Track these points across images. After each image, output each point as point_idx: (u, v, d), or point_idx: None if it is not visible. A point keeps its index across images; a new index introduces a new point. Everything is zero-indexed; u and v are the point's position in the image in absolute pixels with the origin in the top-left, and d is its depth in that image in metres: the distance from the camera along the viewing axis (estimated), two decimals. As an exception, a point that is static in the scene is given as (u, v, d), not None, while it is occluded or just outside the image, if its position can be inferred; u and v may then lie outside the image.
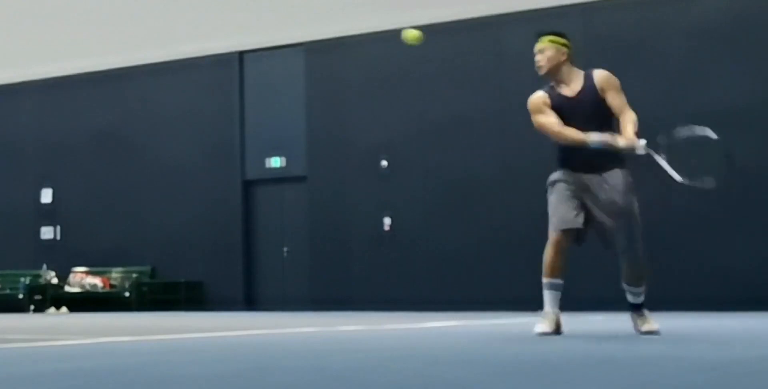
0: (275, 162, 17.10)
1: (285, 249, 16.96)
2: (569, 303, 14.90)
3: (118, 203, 18.34)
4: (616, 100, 6.74)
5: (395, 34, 16.13)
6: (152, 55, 18.13)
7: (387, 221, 15.87)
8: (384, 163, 15.99)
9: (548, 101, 6.79)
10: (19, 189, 19.37)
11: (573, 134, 6.65)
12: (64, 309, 17.39)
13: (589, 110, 6.71)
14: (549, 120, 6.74)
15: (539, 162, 14.77)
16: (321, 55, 16.81)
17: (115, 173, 18.44)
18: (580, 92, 6.77)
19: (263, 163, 17.19)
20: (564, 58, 6.82)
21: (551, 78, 6.83)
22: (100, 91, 18.78)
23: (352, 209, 16.22)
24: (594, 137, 6.58)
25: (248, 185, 17.42)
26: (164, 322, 11.47)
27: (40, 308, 17.54)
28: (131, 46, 18.13)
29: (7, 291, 18.03)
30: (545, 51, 6.84)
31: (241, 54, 17.51)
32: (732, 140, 13.91)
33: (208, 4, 17.43)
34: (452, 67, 15.62)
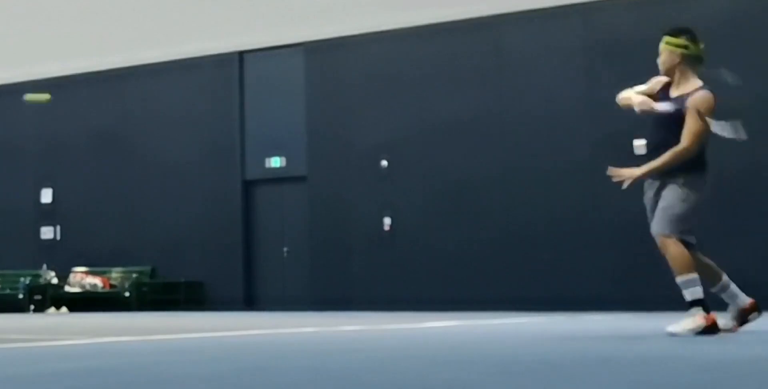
0: (275, 162, 17.09)
1: (285, 249, 16.95)
2: (570, 303, 14.92)
3: (118, 203, 18.34)
4: (684, 125, 6.70)
5: (395, 34, 16.23)
6: (152, 55, 18.12)
7: (387, 221, 15.86)
8: (384, 163, 15.99)
9: (657, 94, 6.89)
10: (19, 189, 19.37)
11: None
12: (64, 309, 17.38)
13: (666, 118, 6.72)
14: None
15: (539, 162, 14.81)
16: (321, 55, 16.81)
17: (115, 173, 18.44)
18: (675, 99, 6.76)
19: (263, 163, 17.19)
20: (678, 60, 6.86)
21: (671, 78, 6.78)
22: (100, 91, 18.77)
23: (352, 209, 16.22)
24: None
25: (248, 185, 17.42)
26: (164, 322, 11.47)
27: (40, 308, 17.54)
28: (131, 46, 18.13)
29: (7, 291, 18.02)
30: (661, 54, 6.94)
31: (241, 54, 17.51)
32: (732, 139, 13.94)
33: (208, 4, 17.43)
34: (452, 68, 15.61)
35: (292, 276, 16.80)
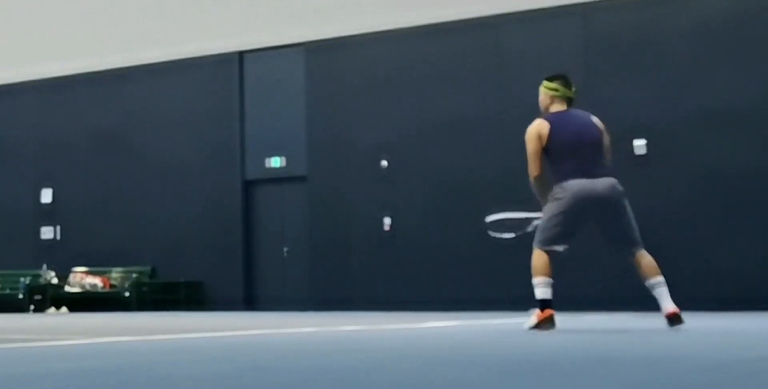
0: (275, 162, 17.10)
1: (285, 249, 16.96)
2: (570, 303, 14.90)
3: (118, 203, 18.34)
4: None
5: (395, 34, 16.22)
6: (152, 55, 18.12)
7: (387, 221, 15.87)
8: (384, 163, 15.99)
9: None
10: (19, 189, 19.37)
11: None
12: (64, 309, 17.38)
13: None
14: None
15: (539, 162, 14.81)
16: (321, 55, 16.81)
17: (115, 173, 18.44)
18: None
19: (263, 163, 17.19)
20: (549, 100, 7.82)
21: None
22: (100, 91, 18.77)
23: (352, 209, 16.22)
24: None
25: (248, 185, 17.42)
26: (164, 322, 11.47)
27: (40, 308, 17.54)
28: (131, 46, 18.13)
29: (7, 291, 18.02)
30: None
31: (241, 54, 17.51)
32: (732, 140, 13.96)
33: (208, 4, 17.44)
34: (452, 67, 15.62)
35: (292, 276, 16.81)
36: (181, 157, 17.81)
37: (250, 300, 17.14)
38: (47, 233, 19.06)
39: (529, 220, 8.11)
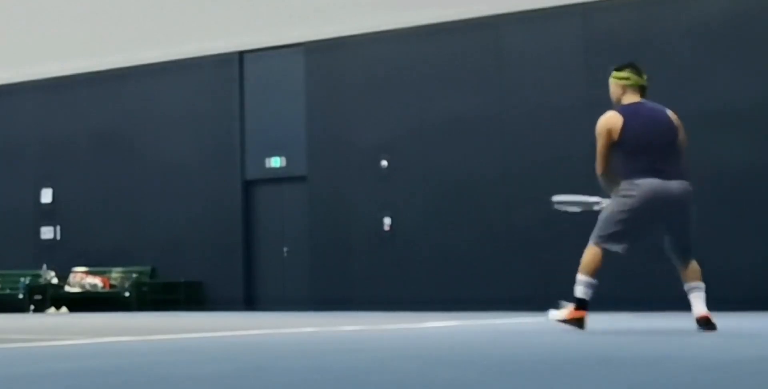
0: (275, 162, 17.10)
1: (285, 249, 16.96)
2: (569, 303, 14.87)
3: (118, 203, 18.34)
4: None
5: (395, 34, 16.22)
6: (152, 55, 18.12)
7: (387, 221, 15.86)
8: (384, 163, 15.99)
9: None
10: (19, 189, 19.37)
11: None
12: (64, 309, 17.38)
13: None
14: None
15: (539, 162, 14.81)
16: (321, 55, 16.81)
17: (115, 173, 18.44)
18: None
19: (263, 163, 17.19)
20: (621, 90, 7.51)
21: None
22: (100, 91, 18.77)
23: (352, 209, 16.22)
24: None
25: (248, 185, 17.41)
26: (164, 322, 11.47)
27: (40, 308, 17.54)
28: (131, 46, 18.13)
29: (7, 291, 18.02)
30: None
31: (241, 54, 17.51)
32: (732, 139, 13.95)
33: (208, 4, 17.43)
34: (452, 67, 15.62)
35: (292, 276, 16.81)
36: (181, 157, 17.81)
37: (250, 300, 17.14)
38: (47, 233, 19.06)
39: (597, 203, 7.77)
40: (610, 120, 7.32)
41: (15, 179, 19.47)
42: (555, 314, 7.32)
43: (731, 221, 13.48)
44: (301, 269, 16.65)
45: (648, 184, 6.97)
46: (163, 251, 17.77)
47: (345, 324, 9.56)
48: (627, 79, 7.34)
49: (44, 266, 18.33)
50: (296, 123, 16.87)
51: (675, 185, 6.97)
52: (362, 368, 4.25)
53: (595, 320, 10.40)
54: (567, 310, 7.23)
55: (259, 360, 4.89)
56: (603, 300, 13.79)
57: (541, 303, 14.79)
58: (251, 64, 17.48)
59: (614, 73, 7.44)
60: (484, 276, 14.94)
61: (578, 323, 7.15)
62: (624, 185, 7.08)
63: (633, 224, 7.04)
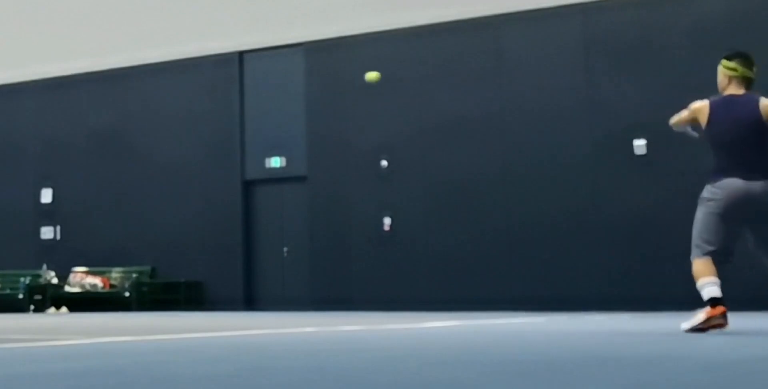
0: (275, 162, 17.10)
1: (285, 249, 16.96)
2: (570, 303, 14.89)
3: (118, 203, 18.34)
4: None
5: (395, 34, 16.22)
6: (152, 55, 18.13)
7: (387, 221, 15.87)
8: (384, 163, 15.99)
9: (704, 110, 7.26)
10: (19, 189, 19.37)
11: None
12: (64, 309, 17.38)
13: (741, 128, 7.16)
14: None
15: (539, 162, 14.81)
16: (321, 55, 16.81)
17: (115, 172, 18.44)
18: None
19: (263, 163, 17.19)
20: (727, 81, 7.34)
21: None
22: (100, 91, 18.78)
23: (352, 209, 16.22)
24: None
25: (248, 185, 17.42)
26: (164, 322, 11.46)
27: (40, 308, 17.54)
28: (131, 46, 18.13)
29: (7, 291, 18.02)
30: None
31: (241, 54, 17.51)
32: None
33: (208, 4, 17.43)
34: (452, 67, 15.62)
35: (292, 276, 16.81)
36: (181, 157, 17.81)
37: (250, 300, 17.14)
38: (47, 233, 19.06)
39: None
40: (700, 109, 7.19)
41: (15, 179, 19.47)
42: (690, 322, 6.82)
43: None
44: (301, 269, 16.65)
45: (730, 185, 6.81)
46: (163, 251, 17.77)
47: (345, 324, 9.56)
48: (734, 70, 7.19)
49: (44, 266, 18.33)
50: (296, 123, 16.87)
51: (758, 186, 6.78)
52: (362, 368, 4.25)
53: (595, 320, 10.40)
54: (702, 313, 6.76)
55: (259, 360, 4.89)
56: (603, 300, 13.85)
57: (541, 303, 14.83)
58: (251, 64, 17.49)
59: (723, 62, 7.26)
60: (484, 276, 14.94)
61: (720, 318, 6.66)
62: (707, 188, 6.90)
63: (720, 227, 6.84)
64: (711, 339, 6.18)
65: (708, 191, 6.89)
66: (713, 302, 6.71)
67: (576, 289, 14.14)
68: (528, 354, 5.04)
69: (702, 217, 6.88)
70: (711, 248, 6.83)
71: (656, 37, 14.31)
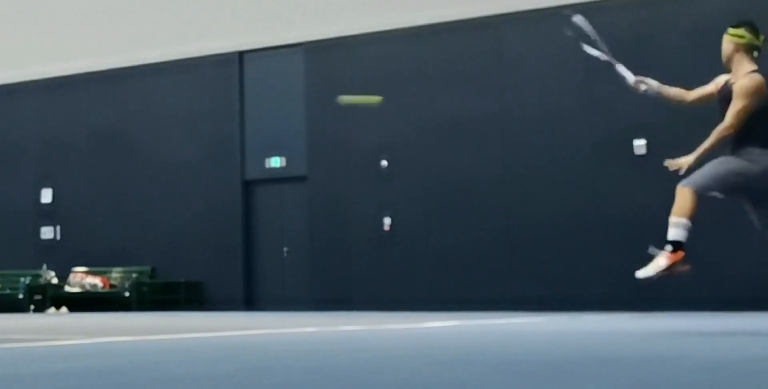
0: (275, 162, 17.10)
1: (285, 249, 16.95)
2: (570, 303, 14.89)
3: (118, 203, 18.34)
4: (730, 108, 6.87)
5: (395, 34, 16.21)
6: (152, 55, 18.12)
7: (387, 221, 15.87)
8: (384, 163, 15.99)
9: (719, 86, 7.14)
10: (19, 189, 19.37)
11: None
12: (64, 309, 17.38)
13: (721, 106, 7.01)
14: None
15: (539, 162, 14.81)
16: (321, 55, 16.81)
17: (115, 172, 18.44)
18: (723, 86, 7.06)
19: (263, 163, 17.19)
20: (733, 48, 7.09)
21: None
22: (100, 91, 18.78)
23: (352, 209, 16.22)
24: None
25: (248, 185, 17.42)
26: (164, 322, 11.47)
27: (40, 308, 17.54)
28: (131, 46, 18.13)
29: (7, 291, 18.02)
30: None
31: (241, 54, 17.51)
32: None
33: (208, 4, 17.43)
34: (452, 67, 15.62)
35: (292, 276, 16.81)
36: (181, 157, 17.81)
37: (250, 300, 17.14)
38: (47, 233, 19.06)
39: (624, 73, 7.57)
40: (762, 83, 6.84)
41: (15, 179, 19.47)
42: (650, 268, 6.69)
43: (731, 220, 13.46)
44: (301, 269, 16.65)
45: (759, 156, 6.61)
46: (163, 251, 17.77)
47: (345, 324, 9.56)
48: (742, 37, 7.02)
49: (44, 266, 18.33)
50: (296, 123, 16.87)
51: None
52: (362, 368, 4.25)
53: (595, 320, 10.40)
54: (663, 257, 6.60)
55: (259, 360, 4.89)
56: (603, 300, 13.84)
57: (541, 303, 14.83)
58: (251, 64, 17.48)
59: (730, 31, 7.10)
60: (484, 276, 14.94)
61: (683, 264, 6.54)
62: (756, 150, 6.65)
63: (740, 189, 6.69)
64: (711, 339, 6.18)
65: (754, 153, 6.64)
66: (676, 245, 6.55)
67: (576, 289, 14.14)
68: (528, 354, 5.04)
69: (730, 170, 6.66)
70: (708, 192, 6.69)
71: (656, 37, 14.31)
